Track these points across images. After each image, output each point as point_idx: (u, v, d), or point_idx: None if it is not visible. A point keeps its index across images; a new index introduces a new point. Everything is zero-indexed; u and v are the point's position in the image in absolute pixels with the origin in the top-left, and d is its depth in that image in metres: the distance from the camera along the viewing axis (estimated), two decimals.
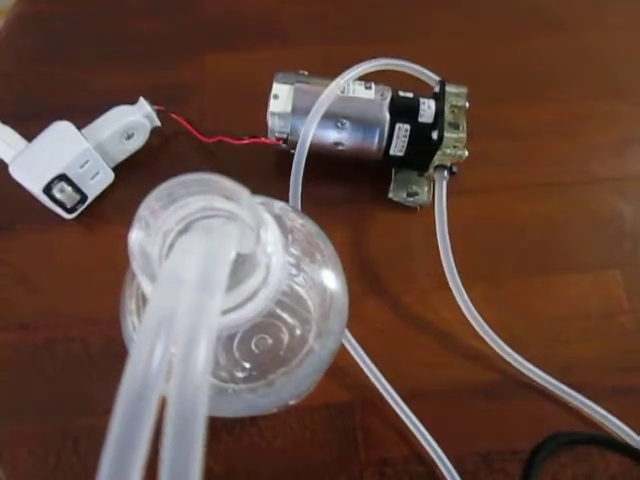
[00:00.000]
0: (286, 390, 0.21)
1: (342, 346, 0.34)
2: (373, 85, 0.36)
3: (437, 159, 0.36)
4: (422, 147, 0.35)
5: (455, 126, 0.35)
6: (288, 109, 0.34)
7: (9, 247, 0.38)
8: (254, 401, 0.21)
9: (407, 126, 0.35)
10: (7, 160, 0.34)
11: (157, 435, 0.12)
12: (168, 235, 0.15)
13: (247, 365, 0.22)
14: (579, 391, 0.34)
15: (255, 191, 0.25)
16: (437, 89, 0.36)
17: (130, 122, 0.37)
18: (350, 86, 0.35)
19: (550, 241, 0.38)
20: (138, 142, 0.38)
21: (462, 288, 0.36)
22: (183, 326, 0.12)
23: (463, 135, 0.35)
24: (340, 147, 0.36)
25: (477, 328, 0.36)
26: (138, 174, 0.39)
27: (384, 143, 0.35)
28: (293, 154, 0.35)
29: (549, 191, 0.39)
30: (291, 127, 0.35)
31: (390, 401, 0.34)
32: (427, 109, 0.35)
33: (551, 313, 0.37)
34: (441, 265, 0.36)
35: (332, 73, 0.35)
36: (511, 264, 0.38)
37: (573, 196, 0.39)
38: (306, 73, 0.36)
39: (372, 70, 0.35)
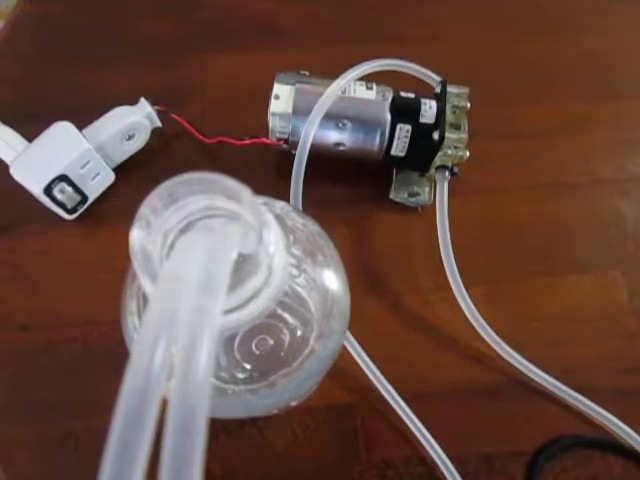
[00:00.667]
0: (287, 391, 0.21)
1: (343, 347, 0.34)
2: (374, 86, 0.35)
3: (438, 160, 0.36)
4: (423, 148, 0.35)
5: (456, 127, 0.35)
6: (289, 109, 0.34)
7: (10, 248, 0.38)
8: (255, 402, 0.21)
9: (408, 127, 0.35)
10: (8, 161, 0.34)
11: (158, 437, 0.12)
12: (169, 234, 0.15)
13: (248, 366, 0.22)
14: (581, 393, 0.34)
15: (256, 191, 0.25)
16: (438, 90, 0.36)
17: (131, 123, 0.37)
18: (351, 86, 0.35)
19: (551, 242, 0.38)
20: (139, 143, 0.38)
21: (463, 289, 0.36)
22: (185, 327, 0.12)
23: (464, 136, 0.35)
24: (341, 147, 0.36)
25: (478, 329, 0.35)
26: (139, 175, 0.39)
27: (385, 144, 0.35)
28: (294, 154, 0.35)
29: (550, 192, 0.39)
30: (292, 128, 0.35)
31: (391, 402, 0.34)
32: (428, 109, 0.34)
33: (553, 314, 0.37)
34: (442, 266, 0.36)
35: (333, 74, 0.35)
36: (512, 265, 0.38)
37: (574, 197, 0.39)
38: (307, 73, 0.36)
39: (373, 71, 0.35)
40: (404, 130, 0.35)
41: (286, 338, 0.22)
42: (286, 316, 0.19)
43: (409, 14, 0.45)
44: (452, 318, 0.36)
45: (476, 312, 0.35)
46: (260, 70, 0.36)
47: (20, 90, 0.43)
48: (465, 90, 0.36)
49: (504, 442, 0.34)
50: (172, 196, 0.14)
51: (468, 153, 0.36)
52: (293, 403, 0.30)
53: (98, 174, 0.36)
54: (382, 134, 0.35)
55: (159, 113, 0.38)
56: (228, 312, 0.14)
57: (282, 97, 0.34)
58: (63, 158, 0.34)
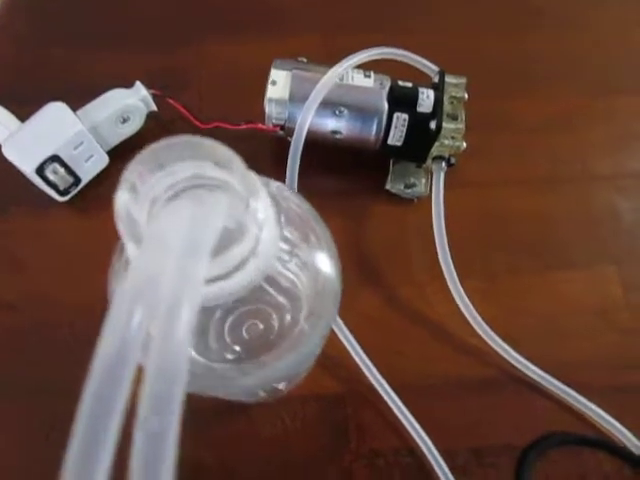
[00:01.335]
0: (276, 372, 0.21)
1: (335, 337, 0.34)
2: (372, 74, 0.35)
3: (435, 150, 0.35)
4: (420, 137, 0.35)
5: (453, 117, 0.35)
6: (285, 96, 0.34)
7: (1, 229, 0.37)
8: (243, 382, 0.20)
9: (405, 115, 0.34)
10: (0, 140, 0.34)
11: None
12: (156, 202, 0.14)
13: (237, 348, 0.21)
14: (574, 389, 0.34)
15: None
16: (436, 80, 0.35)
17: (126, 105, 0.36)
18: (349, 74, 0.35)
19: (547, 237, 0.38)
20: (133, 126, 0.37)
21: (458, 282, 0.35)
22: (165, 291, 0.12)
23: (461, 126, 0.35)
24: (338, 136, 0.35)
25: (472, 322, 0.35)
26: (133, 159, 0.38)
27: (382, 133, 0.35)
28: (290, 141, 0.35)
29: (547, 186, 0.39)
30: (288, 114, 0.34)
31: (382, 393, 0.34)
32: (426, 99, 0.34)
33: (547, 309, 0.36)
34: (437, 258, 0.36)
35: (332, 62, 0.35)
36: (508, 259, 0.38)
37: (570, 192, 0.39)
38: (305, 60, 0.36)
39: (371, 59, 0.35)
40: (401, 119, 0.34)
41: (276, 323, 0.21)
42: (275, 295, 0.18)
43: (411, 4, 0.45)
44: (446, 311, 0.36)
45: (470, 305, 0.35)
46: (260, 57, 0.35)
47: (15, 71, 0.42)
48: (463, 80, 0.35)
49: (495, 436, 0.34)
50: (158, 161, 0.14)
51: (465, 144, 0.35)
52: (282, 386, 0.29)
53: (92, 156, 0.36)
54: (379, 122, 0.35)
55: (155, 97, 0.38)
56: (213, 281, 0.13)
57: (279, 83, 0.34)
58: (56, 138, 0.34)
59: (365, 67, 0.35)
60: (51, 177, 0.34)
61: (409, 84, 0.35)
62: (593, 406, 0.33)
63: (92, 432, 0.11)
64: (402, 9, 0.44)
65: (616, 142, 0.41)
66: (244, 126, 0.35)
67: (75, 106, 0.36)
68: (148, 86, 0.38)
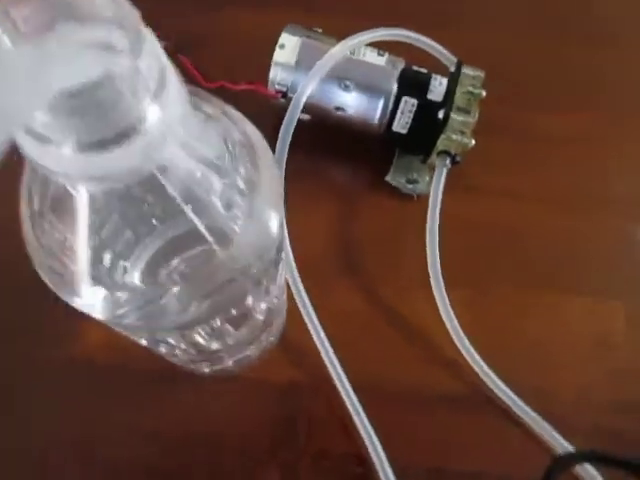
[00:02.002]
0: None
1: (302, 323, 0.31)
2: (386, 54, 0.33)
3: (441, 144, 0.33)
4: (426, 126, 0.33)
5: (465, 111, 0.32)
6: (292, 61, 0.33)
7: None
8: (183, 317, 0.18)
9: (414, 101, 0.32)
10: None
11: None
12: None
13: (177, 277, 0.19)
14: (551, 423, 0.30)
15: None
16: (453, 69, 0.33)
17: None
18: (362, 50, 0.33)
19: (550, 256, 0.35)
20: None
21: (443, 288, 0.33)
22: None
23: (471, 120, 0.32)
24: (341, 112, 0.34)
25: (452, 334, 0.32)
26: None
27: (387, 116, 0.33)
28: None
29: (557, 204, 0.36)
30: (292, 82, 0.33)
31: (342, 392, 0.31)
32: (438, 86, 0.32)
33: (538, 333, 0.33)
34: (427, 260, 0.33)
35: None
36: (503, 272, 0.35)
37: (582, 213, 0.36)
38: (320, 30, 0.34)
39: (386, 39, 0.33)
40: (409, 104, 0.32)
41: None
42: (195, 218, 0.16)
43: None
44: (427, 318, 0.33)
45: (453, 315, 0.32)
46: (278, 31, 0.34)
47: None
48: (480, 74, 0.33)
49: (458, 460, 0.31)
50: None
51: (474, 142, 0.33)
52: (230, 362, 0.27)
53: None
54: (385, 104, 0.33)
55: (166, 50, 0.37)
56: (85, 150, 0.11)
57: (287, 47, 0.33)
58: None
59: (381, 48, 0.34)
60: None
61: (424, 70, 0.33)
62: (567, 444, 0.30)
63: None
64: (433, 4, 0.42)
65: (639, 167, 0.38)
66: (244, 86, 0.34)
67: None
68: (160, 39, 0.37)
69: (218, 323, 0.21)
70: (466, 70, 0.33)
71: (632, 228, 0.35)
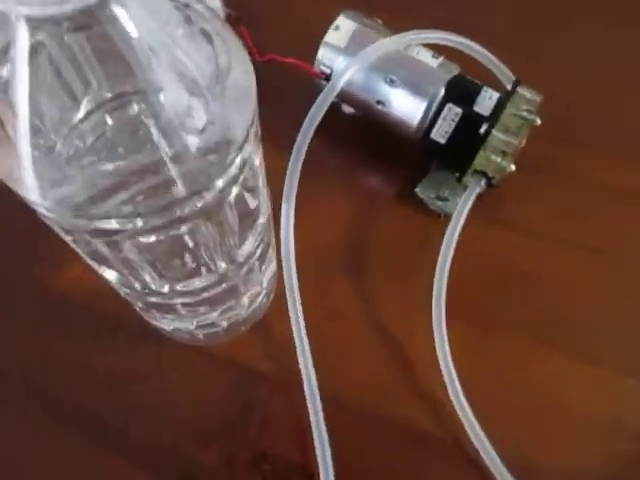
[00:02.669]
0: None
1: (287, 317, 0.29)
2: (441, 58, 0.32)
3: (478, 162, 0.31)
4: (467, 140, 0.30)
5: (511, 132, 0.30)
6: (342, 44, 0.31)
7: None
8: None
9: (458, 109, 0.30)
10: None
11: None
12: None
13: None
14: None
15: (269, 120, 0.22)
16: (509, 88, 0.31)
17: None
18: (416, 48, 0.31)
19: (570, 315, 0.31)
20: None
21: (444, 319, 0.30)
22: None
23: (515, 143, 0.30)
24: (381, 107, 0.32)
25: (443, 369, 0.29)
26: None
27: (428, 121, 0.31)
28: (335, 102, 0.32)
29: (594, 261, 0.32)
30: (337, 66, 0.32)
31: (308, 398, 0.28)
32: (487, 99, 0.30)
33: (538, 396, 0.29)
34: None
35: None
36: (513, 320, 0.31)
37: (614, 274, 0.32)
38: (380, 22, 0.33)
39: (443, 42, 0.31)
40: (452, 112, 0.30)
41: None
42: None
43: (526, 25, 0.40)
44: (420, 344, 0.30)
45: (448, 351, 0.29)
46: None
47: None
48: (537, 98, 0.30)
49: None
50: None
51: (514, 167, 0.30)
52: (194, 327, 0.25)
53: None
54: (428, 108, 0.31)
55: (228, 18, 0.37)
56: None
57: (341, 30, 0.32)
58: None
59: (438, 52, 0.32)
60: None
61: (476, 81, 0.31)
62: None
63: None
64: (518, 26, 0.40)
65: None
66: (291, 59, 0.33)
67: None
68: (226, 6, 0.37)
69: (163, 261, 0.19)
70: (522, 91, 0.30)
71: None
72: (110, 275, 0.21)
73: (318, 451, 0.27)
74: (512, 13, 0.41)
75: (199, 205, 0.17)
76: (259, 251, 0.24)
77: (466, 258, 0.31)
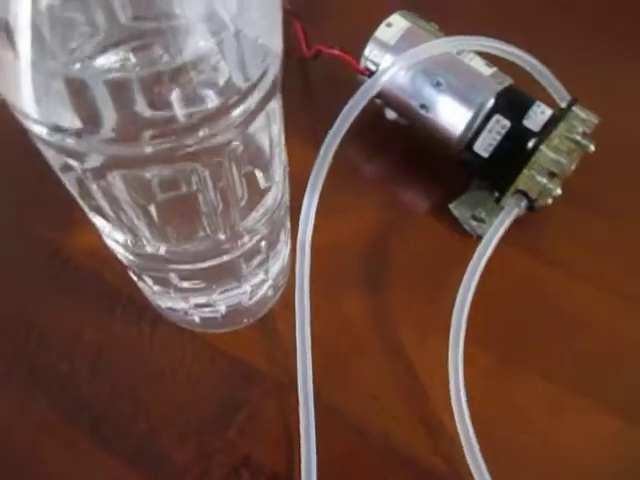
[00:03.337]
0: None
1: (291, 315, 0.27)
2: (495, 68, 0.30)
3: (521, 182, 0.28)
4: (512, 156, 0.28)
5: (562, 153, 0.27)
6: (391, 42, 0.30)
7: None
8: None
9: (506, 122, 0.28)
10: None
11: None
12: None
13: None
14: None
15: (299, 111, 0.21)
16: (563, 106, 0.29)
17: None
18: (470, 55, 0.30)
19: (602, 364, 0.28)
20: None
21: (461, 347, 0.27)
22: None
23: (565, 163, 0.27)
24: (424, 111, 0.30)
25: (453, 400, 0.26)
26: None
27: (472, 132, 0.29)
28: (375, 101, 0.30)
29: (628, 307, 0.29)
30: (383, 64, 0.30)
31: (301, 405, 0.26)
32: (539, 114, 0.28)
33: (553, 439, 0.26)
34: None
35: None
36: (535, 356, 0.28)
37: None
38: (436, 27, 0.31)
39: (496, 52, 0.29)
40: (500, 124, 0.28)
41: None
42: None
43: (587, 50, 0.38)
44: (432, 368, 0.28)
45: (461, 381, 0.26)
46: None
47: None
48: (593, 119, 0.28)
49: None
50: None
51: (560, 191, 0.28)
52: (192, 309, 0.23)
53: None
54: (474, 117, 0.29)
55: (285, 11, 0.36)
56: None
57: (393, 28, 0.30)
58: None
59: (494, 62, 0.30)
60: None
61: (529, 94, 0.29)
62: None
63: None
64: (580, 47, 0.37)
65: None
66: (337, 51, 0.31)
67: None
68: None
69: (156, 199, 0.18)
70: (578, 110, 0.28)
71: None
72: (101, 223, 0.20)
73: (304, 463, 0.25)
74: (577, 37, 0.39)
75: (200, 135, 0.15)
76: (265, 231, 0.22)
77: (494, 284, 0.29)
